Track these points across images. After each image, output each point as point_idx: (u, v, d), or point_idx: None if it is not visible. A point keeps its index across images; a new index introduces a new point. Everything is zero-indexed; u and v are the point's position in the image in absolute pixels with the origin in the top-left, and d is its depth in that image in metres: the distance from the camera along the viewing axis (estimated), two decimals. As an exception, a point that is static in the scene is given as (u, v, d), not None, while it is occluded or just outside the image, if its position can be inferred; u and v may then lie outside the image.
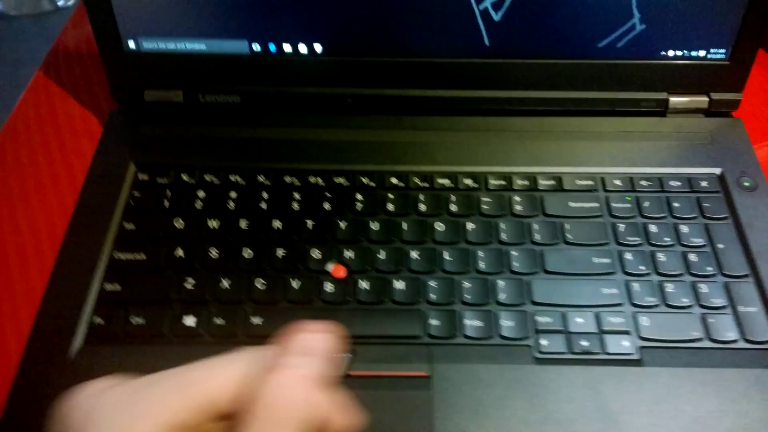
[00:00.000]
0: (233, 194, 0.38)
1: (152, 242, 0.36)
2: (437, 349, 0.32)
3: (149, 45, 0.40)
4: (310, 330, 0.20)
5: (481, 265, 0.35)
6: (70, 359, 0.31)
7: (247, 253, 0.35)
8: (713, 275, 0.35)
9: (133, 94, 0.42)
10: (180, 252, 0.35)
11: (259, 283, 0.34)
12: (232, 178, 0.38)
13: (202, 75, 0.41)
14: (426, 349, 0.32)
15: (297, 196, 0.38)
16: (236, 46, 0.40)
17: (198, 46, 0.40)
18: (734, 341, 0.33)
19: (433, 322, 0.33)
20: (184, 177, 0.38)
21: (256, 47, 0.40)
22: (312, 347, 0.19)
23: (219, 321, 0.33)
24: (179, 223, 0.36)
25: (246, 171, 0.39)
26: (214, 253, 0.35)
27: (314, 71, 0.41)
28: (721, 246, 0.36)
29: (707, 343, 0.33)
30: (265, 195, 0.38)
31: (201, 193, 0.38)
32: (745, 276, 0.35)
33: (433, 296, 0.34)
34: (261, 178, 0.39)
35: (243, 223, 0.37)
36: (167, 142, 0.41)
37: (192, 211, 0.37)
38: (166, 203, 0.37)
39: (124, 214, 0.37)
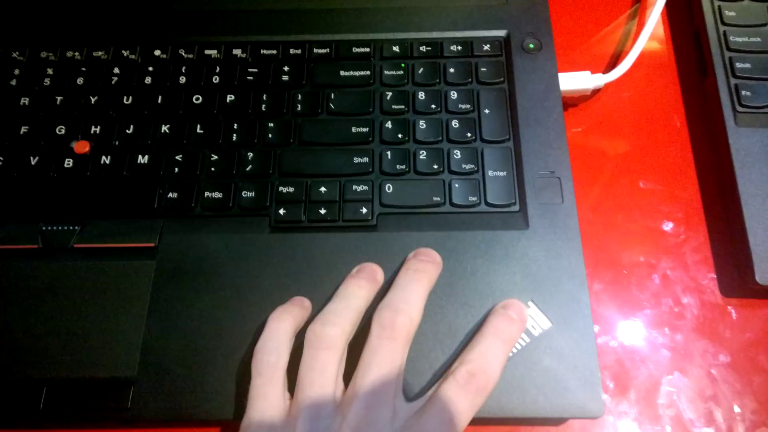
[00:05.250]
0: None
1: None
2: (173, 222, 0.32)
3: None
4: None
5: (234, 137, 0.34)
6: None
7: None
8: (472, 140, 0.34)
9: None
10: None
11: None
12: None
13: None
14: (161, 222, 0.32)
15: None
16: None
17: None
18: (475, 205, 0.32)
19: (171, 194, 0.32)
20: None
21: None
22: None
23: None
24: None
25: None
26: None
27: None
28: (486, 111, 0.35)
29: (448, 208, 0.32)
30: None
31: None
32: (504, 140, 0.34)
33: (176, 169, 0.33)
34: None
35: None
36: None
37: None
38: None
39: None
